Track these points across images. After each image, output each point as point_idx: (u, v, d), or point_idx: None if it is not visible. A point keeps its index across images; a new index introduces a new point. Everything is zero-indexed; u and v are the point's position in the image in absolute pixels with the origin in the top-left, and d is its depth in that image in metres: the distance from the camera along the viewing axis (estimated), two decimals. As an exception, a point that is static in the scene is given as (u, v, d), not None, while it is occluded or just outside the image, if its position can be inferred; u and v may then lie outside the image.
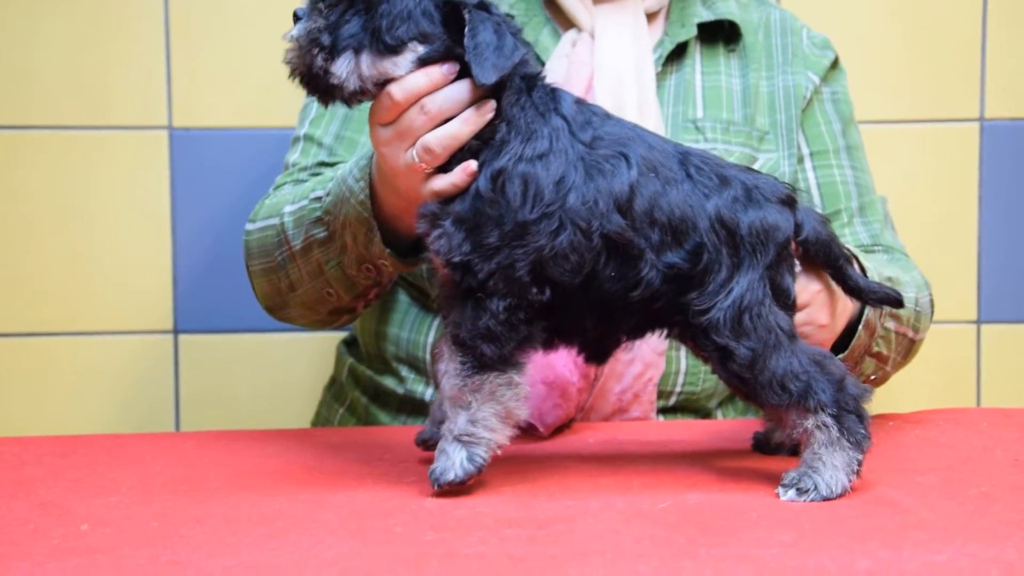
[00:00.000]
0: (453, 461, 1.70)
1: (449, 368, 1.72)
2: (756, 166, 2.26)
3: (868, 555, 1.41)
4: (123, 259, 2.88)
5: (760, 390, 1.69)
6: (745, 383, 1.70)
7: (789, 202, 1.75)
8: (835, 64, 2.43)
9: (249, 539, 1.53)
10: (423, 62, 1.72)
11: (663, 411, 2.28)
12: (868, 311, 2.03)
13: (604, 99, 2.18)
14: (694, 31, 2.31)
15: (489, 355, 1.68)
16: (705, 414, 2.34)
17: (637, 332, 1.79)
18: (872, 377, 2.16)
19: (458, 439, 1.70)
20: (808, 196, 2.34)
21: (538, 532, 1.53)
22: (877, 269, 2.10)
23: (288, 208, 2.12)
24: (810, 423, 1.67)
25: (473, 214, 1.68)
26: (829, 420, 1.66)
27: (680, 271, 1.70)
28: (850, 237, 2.33)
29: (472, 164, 1.70)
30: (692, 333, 1.72)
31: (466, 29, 1.68)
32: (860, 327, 2.02)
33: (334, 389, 2.54)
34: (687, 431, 2.12)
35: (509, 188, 1.68)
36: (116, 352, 2.91)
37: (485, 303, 1.68)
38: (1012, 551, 1.42)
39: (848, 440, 1.66)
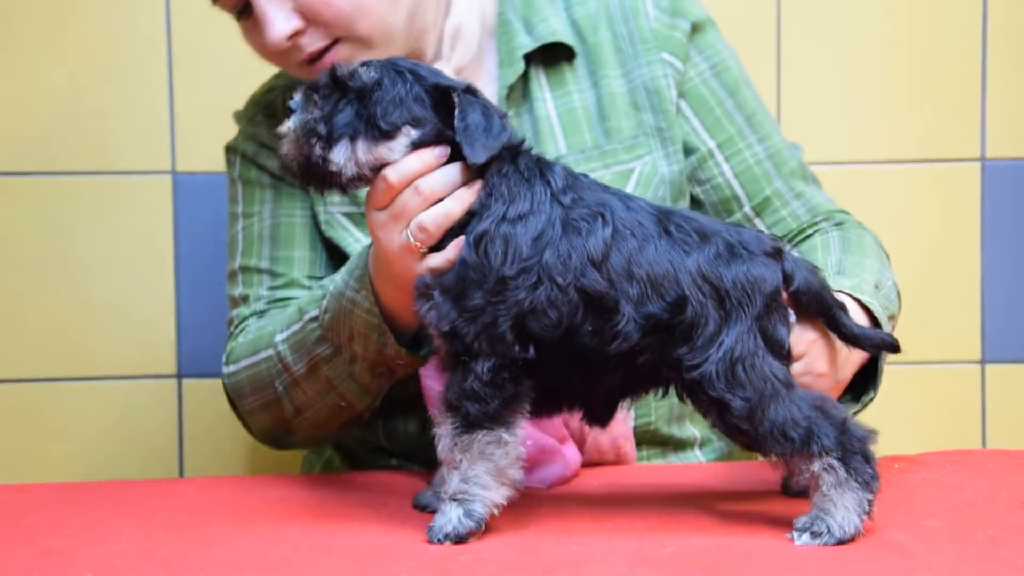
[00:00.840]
0: (450, 517, 1.72)
1: (441, 431, 1.76)
2: (634, 175, 2.21)
3: (874, 599, 1.41)
4: (126, 304, 2.88)
5: (762, 440, 1.69)
6: (745, 435, 1.70)
7: (775, 254, 1.77)
8: (695, 29, 2.28)
9: (253, 587, 1.53)
10: (416, 145, 1.77)
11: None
12: (881, 360, 2.04)
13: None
14: (522, 66, 2.20)
15: (474, 413, 1.72)
16: (676, 445, 2.31)
17: (633, 390, 1.81)
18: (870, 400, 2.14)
19: (453, 498, 1.72)
20: (728, 188, 2.28)
21: (542, 578, 1.53)
22: (855, 274, 2.09)
23: (280, 337, 2.11)
24: (816, 467, 1.67)
25: (458, 281, 1.73)
26: (835, 462, 1.66)
27: (660, 321, 1.71)
28: (790, 220, 2.28)
29: (481, 182, 1.77)
30: (688, 389, 1.73)
31: (456, 112, 1.75)
32: (881, 361, 2.01)
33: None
34: (690, 473, 2.11)
35: (491, 249, 1.72)
36: (119, 397, 2.90)
37: (470, 365, 1.72)
38: (1019, 595, 1.42)
39: (856, 481, 1.66)
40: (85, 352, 2.89)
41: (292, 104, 1.79)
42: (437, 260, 1.78)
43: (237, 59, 2.82)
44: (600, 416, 1.84)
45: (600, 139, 2.23)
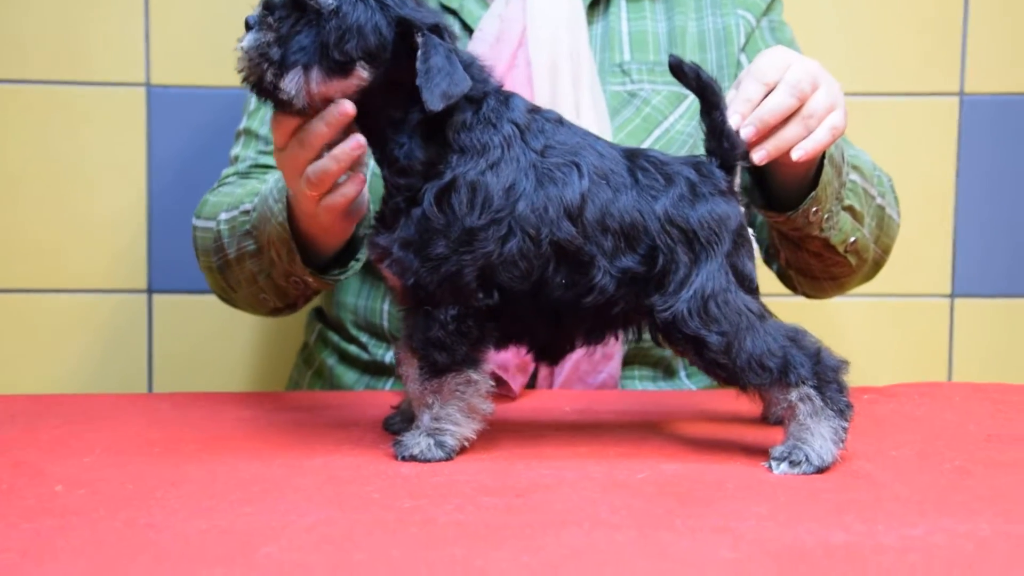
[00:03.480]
0: (419, 442, 1.73)
1: (410, 372, 1.77)
2: (686, 101, 2.28)
3: (843, 528, 1.42)
4: (98, 217, 2.85)
5: (739, 373, 1.69)
6: (723, 368, 1.70)
7: (731, 191, 1.77)
8: (771, 2, 2.41)
9: (225, 503, 1.53)
10: (365, 91, 1.71)
11: (623, 365, 2.27)
12: (831, 149, 1.99)
13: (538, 52, 2.20)
14: None
15: (442, 362, 1.72)
16: (665, 367, 2.33)
17: (595, 336, 1.80)
18: (852, 241, 2.14)
19: (425, 432, 1.73)
20: None
21: (515, 501, 1.53)
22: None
23: (223, 215, 2.18)
24: (793, 396, 1.68)
25: (419, 234, 1.71)
26: (811, 391, 1.67)
27: (636, 274, 1.72)
28: None
29: (358, 141, 1.74)
30: (663, 330, 1.73)
31: (419, 53, 1.68)
32: (824, 159, 1.98)
33: (304, 353, 2.55)
34: (664, 401, 2.12)
35: (455, 199, 1.69)
36: (90, 310, 2.88)
37: (433, 314, 1.71)
38: (986, 526, 1.43)
39: (832, 409, 1.67)
40: (56, 264, 2.86)
41: (249, 19, 1.72)
42: (333, 199, 1.80)
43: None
44: (552, 355, 1.84)
45: (664, 60, 2.24)
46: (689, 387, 2.33)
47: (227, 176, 2.34)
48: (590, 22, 2.29)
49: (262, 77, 1.70)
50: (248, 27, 1.72)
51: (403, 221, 1.72)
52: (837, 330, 2.93)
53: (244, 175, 2.31)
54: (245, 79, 1.73)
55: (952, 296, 2.98)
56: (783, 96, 1.82)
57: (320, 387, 2.44)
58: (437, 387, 1.73)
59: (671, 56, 1.76)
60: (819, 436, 1.67)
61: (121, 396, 2.16)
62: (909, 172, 2.93)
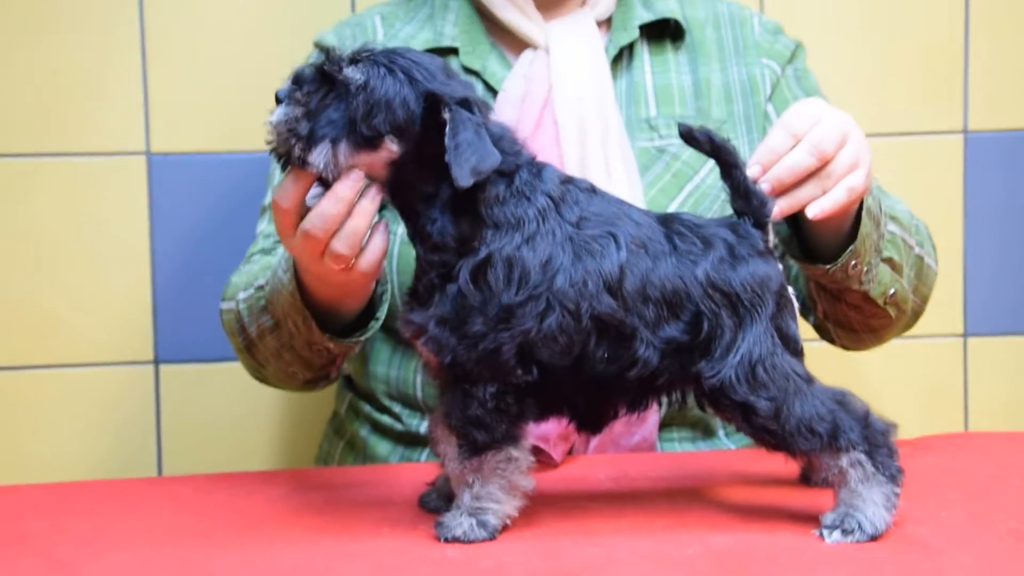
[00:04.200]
0: (461, 523, 1.70)
1: (448, 451, 1.74)
2: None
3: (911, 604, 1.40)
4: (100, 288, 2.81)
5: (789, 438, 1.67)
6: (772, 434, 1.68)
7: (768, 251, 1.75)
8: (794, 49, 2.40)
9: (273, 598, 1.50)
10: (395, 165, 1.69)
11: (661, 427, 2.25)
12: (867, 199, 1.97)
13: (565, 111, 2.18)
14: (636, 33, 2.28)
15: (481, 440, 1.70)
16: (704, 428, 2.31)
17: (638, 404, 1.78)
18: (892, 293, 2.12)
19: (467, 512, 1.71)
20: None
21: (569, 584, 1.51)
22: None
23: (241, 295, 2.15)
24: (844, 462, 1.66)
25: (456, 311, 1.68)
26: (862, 456, 1.66)
27: (680, 344, 1.70)
28: None
29: (358, 173, 1.70)
30: (709, 396, 1.71)
31: (447, 128, 1.65)
32: (862, 212, 1.96)
33: (335, 423, 2.52)
34: (697, 463, 2.09)
35: (491, 274, 1.67)
36: (95, 384, 2.84)
37: (472, 391, 1.69)
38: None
39: (884, 475, 1.66)
40: (60, 339, 2.82)
41: (279, 93, 1.71)
42: (368, 262, 1.77)
43: (212, 38, 2.80)
44: (593, 424, 1.82)
45: (691, 113, 2.29)
46: (729, 446, 2.31)
47: (252, 254, 2.31)
48: (614, 77, 2.26)
49: (290, 152, 1.68)
50: (278, 101, 1.70)
51: (438, 297, 1.69)
52: (850, 374, 2.91)
53: (268, 252, 2.27)
54: (273, 151, 1.71)
55: (965, 336, 2.96)
56: (802, 155, 1.80)
57: (353, 458, 2.41)
58: (477, 466, 1.70)
59: (680, 124, 1.75)
60: (871, 503, 1.64)
61: (145, 481, 2.13)
62: (916, 212, 2.91)
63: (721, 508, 1.81)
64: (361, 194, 1.72)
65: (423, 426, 2.29)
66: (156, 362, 2.85)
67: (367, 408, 2.39)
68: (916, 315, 2.28)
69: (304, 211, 1.75)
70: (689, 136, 1.75)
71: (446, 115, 1.66)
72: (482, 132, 1.67)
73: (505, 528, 1.72)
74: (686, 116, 2.28)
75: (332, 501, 1.91)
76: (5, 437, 2.83)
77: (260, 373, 2.24)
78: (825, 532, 1.65)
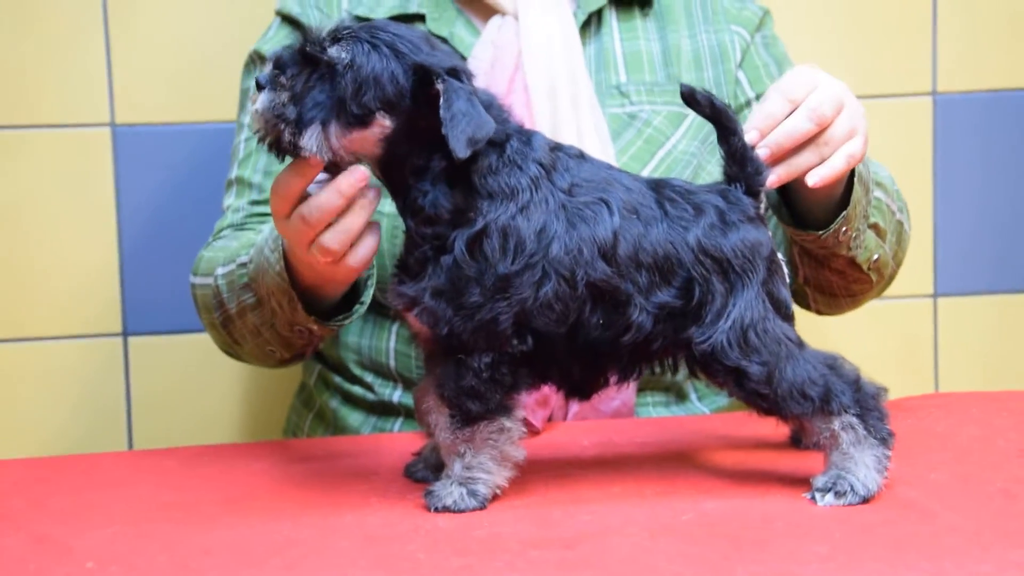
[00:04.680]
0: (451, 491, 1.69)
1: (439, 421, 1.72)
2: (687, 120, 2.25)
3: (910, 568, 1.40)
4: (67, 261, 2.77)
5: (781, 403, 1.67)
6: (765, 399, 1.68)
7: (759, 217, 1.75)
8: (762, 16, 2.39)
9: (266, 572, 1.49)
10: (388, 141, 1.67)
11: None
12: (859, 167, 1.97)
13: (535, 77, 2.17)
14: (604, 0, 2.27)
15: (475, 411, 1.68)
16: (677, 392, 2.30)
17: (630, 371, 1.77)
18: (875, 258, 2.13)
19: (457, 481, 1.70)
20: None
21: (566, 554, 1.50)
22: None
23: (220, 270, 2.11)
24: (836, 425, 1.66)
25: (451, 282, 1.66)
26: (854, 420, 1.66)
27: (673, 308, 1.69)
28: None
29: (362, 172, 1.68)
30: (701, 362, 1.71)
31: (441, 100, 1.63)
32: (854, 178, 1.97)
33: (303, 395, 2.50)
34: (681, 428, 2.09)
35: (487, 245, 1.65)
36: (63, 358, 2.80)
37: (466, 362, 1.67)
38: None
39: (875, 438, 1.66)
40: (26, 312, 2.78)
41: (260, 79, 1.66)
42: (357, 259, 1.74)
43: (173, 8, 2.76)
44: (584, 392, 1.81)
45: (661, 79, 2.28)
46: (702, 410, 2.31)
47: (221, 229, 2.28)
48: (583, 43, 2.25)
49: (279, 137, 1.65)
50: (260, 87, 1.66)
51: (431, 269, 1.67)
52: (821, 335, 2.90)
53: (239, 227, 2.25)
54: (261, 139, 1.68)
55: (935, 296, 2.98)
56: (801, 120, 1.80)
57: (323, 430, 2.39)
58: (469, 436, 1.69)
59: (682, 85, 1.74)
60: (863, 465, 1.65)
61: (122, 454, 2.11)
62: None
63: (711, 473, 1.81)
64: (360, 193, 1.70)
65: (396, 395, 2.28)
66: (124, 334, 2.82)
67: (337, 379, 2.37)
68: (891, 279, 2.29)
69: (303, 197, 1.72)
70: (691, 97, 1.74)
71: (439, 86, 1.64)
72: (475, 101, 1.65)
73: (495, 498, 1.71)
74: (656, 83, 2.27)
75: (316, 473, 1.90)
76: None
77: (233, 349, 2.21)
78: (817, 495, 1.65)
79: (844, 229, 1.98)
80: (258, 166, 2.26)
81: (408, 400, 2.26)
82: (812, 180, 1.81)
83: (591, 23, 2.28)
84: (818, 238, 1.99)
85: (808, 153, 1.82)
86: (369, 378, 2.31)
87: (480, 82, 2.09)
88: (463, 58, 2.19)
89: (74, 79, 2.75)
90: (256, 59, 2.34)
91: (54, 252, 2.77)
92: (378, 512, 1.70)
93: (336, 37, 1.66)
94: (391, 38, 1.66)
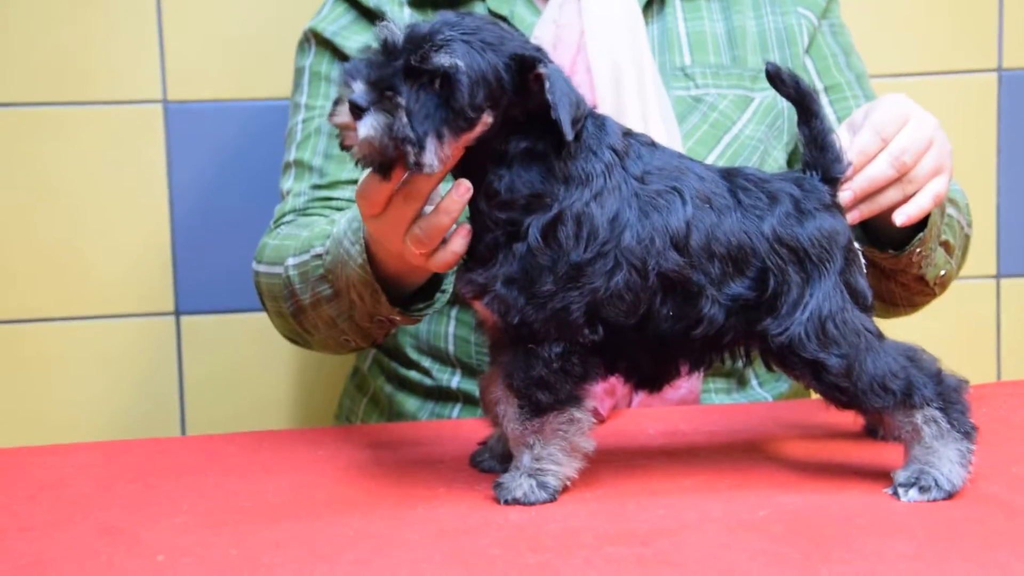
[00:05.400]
0: (521, 483, 1.67)
1: (507, 412, 1.69)
2: (753, 104, 2.22)
3: (1002, 569, 1.37)
4: (118, 239, 2.76)
5: (861, 396, 1.64)
6: (844, 392, 1.65)
7: (836, 205, 1.72)
8: (829, 1, 2.35)
9: (339, 567, 1.46)
10: (482, 136, 1.63)
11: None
12: None
13: (598, 57, 2.13)
14: None
15: (545, 401, 1.65)
16: (739, 377, 2.27)
17: (700, 363, 1.74)
18: (942, 274, 2.12)
19: (526, 473, 1.67)
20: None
21: (643, 551, 1.47)
22: None
23: (291, 261, 2.07)
24: (918, 419, 1.63)
25: (524, 270, 1.63)
26: (937, 414, 1.63)
27: (746, 300, 1.66)
28: None
29: (466, 186, 1.65)
30: (777, 355, 1.67)
31: (547, 85, 1.60)
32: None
33: (356, 379, 2.48)
34: (746, 416, 2.06)
35: (561, 232, 1.62)
36: (115, 336, 2.79)
37: (537, 351, 1.64)
38: None
39: (959, 431, 1.63)
40: (78, 291, 2.77)
41: (356, 100, 1.57)
42: (444, 257, 1.69)
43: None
44: (655, 383, 1.77)
45: (726, 62, 2.25)
46: (764, 396, 2.28)
47: (283, 215, 2.25)
48: (646, 23, 2.21)
49: (401, 159, 1.58)
50: (359, 110, 1.57)
51: (502, 256, 1.64)
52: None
53: (302, 212, 2.22)
54: (370, 164, 1.61)
55: (998, 276, 2.93)
56: (884, 167, 1.81)
57: (377, 415, 2.37)
58: (539, 427, 1.66)
59: (768, 63, 1.70)
60: (947, 460, 1.61)
61: (185, 439, 2.09)
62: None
63: (783, 465, 1.78)
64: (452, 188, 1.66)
65: (455, 381, 2.26)
66: (177, 313, 2.80)
67: (393, 364, 2.35)
68: (959, 269, 2.26)
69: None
70: (776, 77, 1.70)
71: (542, 71, 1.60)
72: (570, 81, 1.63)
73: (565, 490, 1.68)
74: (721, 65, 2.23)
75: (380, 461, 1.87)
76: (25, 390, 2.79)
77: (302, 338, 2.18)
78: (901, 490, 1.62)
79: (919, 250, 1.96)
80: (318, 149, 2.24)
81: (467, 386, 2.24)
82: (900, 220, 1.83)
83: (653, 3, 2.24)
84: (891, 257, 1.97)
85: (892, 191, 1.83)
86: (427, 363, 2.29)
87: None
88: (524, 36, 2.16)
89: (126, 56, 2.73)
90: (311, 37, 2.31)
91: (105, 229, 2.76)
92: (447, 504, 1.67)
93: (435, 44, 1.58)
94: (480, 32, 1.61)
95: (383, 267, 1.87)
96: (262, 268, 2.17)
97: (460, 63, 1.57)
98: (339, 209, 2.18)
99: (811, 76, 2.28)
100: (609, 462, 1.80)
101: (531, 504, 1.65)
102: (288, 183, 2.28)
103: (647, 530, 1.54)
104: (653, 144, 1.70)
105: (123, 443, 2.09)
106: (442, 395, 2.28)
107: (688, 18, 2.25)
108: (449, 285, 1.95)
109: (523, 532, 1.55)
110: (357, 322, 1.99)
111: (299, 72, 2.34)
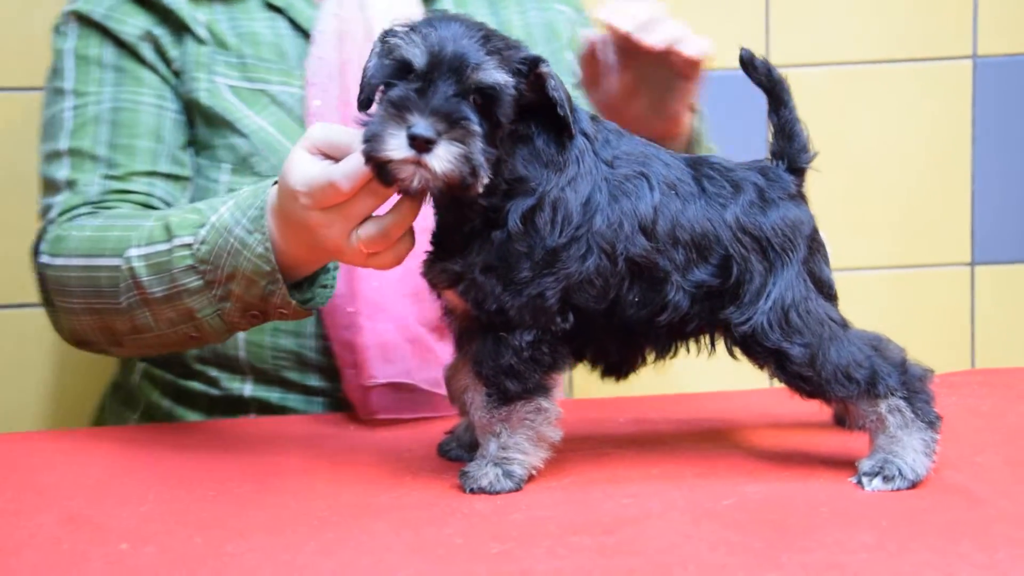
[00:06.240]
0: (486, 472, 1.67)
1: (475, 399, 1.69)
2: None
3: (963, 559, 1.37)
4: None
5: (825, 385, 1.64)
6: (808, 381, 1.65)
7: (800, 195, 1.72)
8: None
9: (303, 556, 1.46)
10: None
11: None
12: None
13: None
14: None
15: (513, 390, 1.66)
16: None
17: (666, 351, 1.74)
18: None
19: (492, 461, 1.67)
20: None
21: (606, 540, 1.47)
22: None
23: (136, 252, 1.92)
24: (882, 408, 1.63)
25: (501, 257, 1.63)
26: (902, 403, 1.63)
27: (711, 288, 1.66)
28: None
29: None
30: (741, 344, 1.67)
31: (550, 83, 1.61)
32: None
33: (121, 395, 2.34)
34: (716, 404, 2.06)
35: (539, 217, 1.62)
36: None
37: (507, 340, 1.64)
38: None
39: (923, 421, 1.63)
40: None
41: (423, 132, 1.52)
42: (387, 260, 1.68)
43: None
44: (621, 372, 1.77)
45: None
46: None
47: (74, 206, 2.09)
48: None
49: (470, 186, 1.56)
50: (426, 142, 1.53)
51: (478, 245, 1.64)
52: (857, 303, 2.86)
53: (98, 204, 2.09)
54: (437, 190, 1.58)
55: (972, 264, 2.93)
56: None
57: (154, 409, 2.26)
58: (506, 415, 1.66)
59: (743, 50, 1.70)
60: (911, 449, 1.62)
61: (155, 427, 2.08)
62: (925, 139, 2.89)
63: (750, 454, 1.78)
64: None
65: (247, 389, 2.18)
66: None
67: (168, 376, 2.23)
68: None
69: None
70: (749, 63, 1.70)
71: (544, 69, 1.62)
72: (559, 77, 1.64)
73: (531, 479, 1.68)
74: None
75: (349, 448, 1.88)
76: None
77: (114, 338, 2.01)
78: (865, 479, 1.62)
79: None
80: (101, 138, 2.11)
81: (262, 393, 2.17)
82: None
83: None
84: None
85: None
86: (213, 372, 2.19)
87: (332, 56, 2.09)
88: (300, 30, 2.16)
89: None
90: (73, 19, 2.18)
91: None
92: (413, 492, 1.67)
93: (470, 63, 1.57)
94: (492, 40, 1.61)
95: (283, 256, 1.81)
96: (71, 261, 2.01)
97: (508, 79, 1.58)
98: (138, 203, 2.09)
99: (575, 70, 2.17)
100: (577, 450, 1.80)
101: (496, 493, 1.65)
102: (62, 172, 2.13)
103: (611, 519, 1.54)
104: (619, 130, 1.70)
105: (94, 431, 2.10)
106: (232, 405, 2.19)
107: (458, 12, 2.22)
108: (331, 279, 1.90)
109: (487, 521, 1.55)
110: (224, 316, 1.89)
111: (60, 55, 2.19)
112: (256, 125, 2.11)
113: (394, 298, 2.06)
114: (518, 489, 1.66)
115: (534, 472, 1.69)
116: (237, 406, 2.19)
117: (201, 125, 2.15)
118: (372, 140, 1.55)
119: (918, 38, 2.86)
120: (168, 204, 2.10)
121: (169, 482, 1.75)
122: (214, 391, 2.20)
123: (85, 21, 2.17)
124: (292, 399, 2.16)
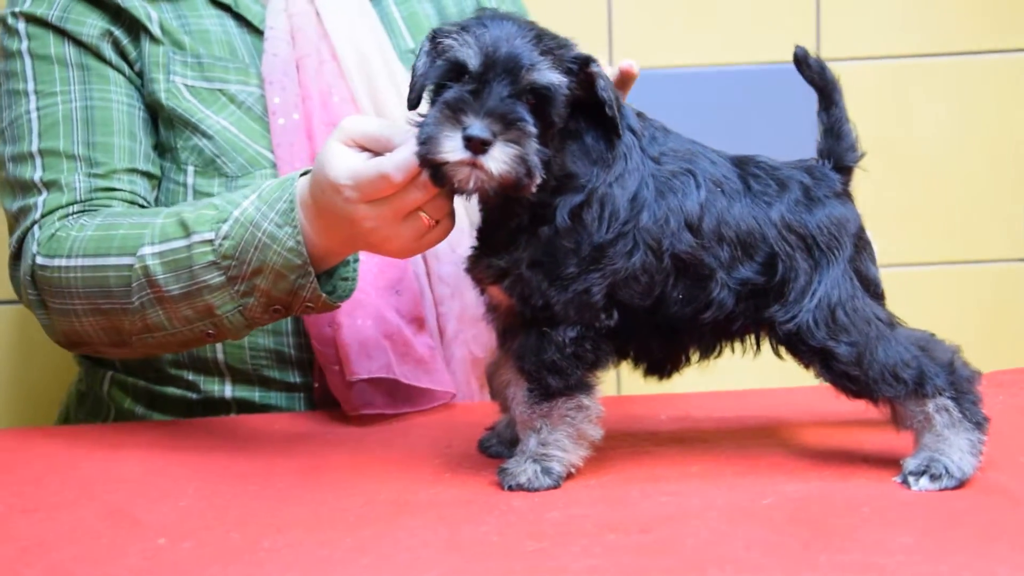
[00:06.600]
0: (525, 469, 1.67)
1: (517, 395, 1.69)
2: None
3: (1001, 561, 1.35)
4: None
5: (872, 385, 1.62)
6: (854, 381, 1.63)
7: (847, 193, 1.71)
8: None
9: (339, 552, 1.46)
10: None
11: None
12: None
13: (342, 44, 2.14)
14: None
15: (554, 386, 1.65)
16: None
17: (710, 350, 1.73)
18: None
19: (531, 457, 1.67)
20: None
21: (642, 538, 1.46)
22: None
23: (150, 250, 1.89)
24: (930, 408, 1.62)
25: (548, 253, 1.63)
26: (949, 403, 1.61)
27: (755, 286, 1.65)
28: None
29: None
30: (786, 342, 1.66)
31: (600, 82, 1.61)
32: None
33: (87, 404, 2.28)
34: (759, 402, 2.05)
35: (587, 213, 1.62)
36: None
37: (550, 335, 1.64)
38: None
39: (970, 421, 1.62)
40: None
41: (480, 134, 1.52)
42: (437, 236, 1.71)
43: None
44: (665, 371, 1.77)
45: None
46: None
47: (60, 206, 2.04)
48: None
49: (526, 186, 1.57)
50: (482, 144, 1.53)
51: (525, 240, 1.64)
52: (908, 299, 2.85)
53: (88, 203, 2.05)
54: (491, 194, 1.58)
55: (1025, 260, 2.90)
56: None
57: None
58: (547, 411, 1.66)
59: (798, 47, 1.70)
60: (957, 448, 1.60)
61: (196, 422, 2.08)
62: (979, 134, 2.85)
63: (793, 452, 1.77)
64: None
65: (227, 391, 2.15)
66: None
67: (141, 382, 2.20)
68: None
69: None
70: (804, 62, 1.70)
71: (595, 69, 1.62)
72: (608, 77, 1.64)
73: (569, 476, 1.68)
74: None
75: (390, 444, 1.88)
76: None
77: (120, 338, 1.97)
78: (911, 479, 1.60)
79: None
80: (77, 138, 2.08)
81: (242, 393, 2.15)
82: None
83: None
84: None
85: None
86: (190, 376, 2.16)
87: (285, 53, 2.09)
88: (249, 26, 2.15)
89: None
90: (22, 19, 2.12)
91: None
92: (451, 489, 1.67)
93: (524, 64, 1.56)
94: (544, 39, 1.60)
95: (313, 249, 1.81)
96: (75, 262, 1.96)
97: (562, 79, 1.58)
98: (125, 200, 2.07)
99: None
100: (617, 447, 1.80)
101: (534, 490, 1.65)
102: (36, 174, 2.07)
103: (648, 518, 1.53)
104: (666, 128, 1.70)
105: (136, 425, 2.11)
106: (212, 407, 2.16)
107: (398, 2, 2.27)
108: (354, 273, 1.90)
109: (524, 519, 1.55)
110: (245, 312, 1.87)
111: (14, 57, 2.12)
112: (219, 126, 2.10)
113: (371, 292, 2.06)
114: (556, 486, 1.66)
115: (573, 470, 1.68)
116: (218, 408, 2.16)
117: (163, 127, 2.13)
118: (427, 142, 1.55)
119: (973, 31, 2.83)
120: (150, 202, 2.09)
121: (209, 478, 1.76)
122: (192, 395, 2.16)
123: (39, 23, 2.11)
124: (274, 396, 2.15)
